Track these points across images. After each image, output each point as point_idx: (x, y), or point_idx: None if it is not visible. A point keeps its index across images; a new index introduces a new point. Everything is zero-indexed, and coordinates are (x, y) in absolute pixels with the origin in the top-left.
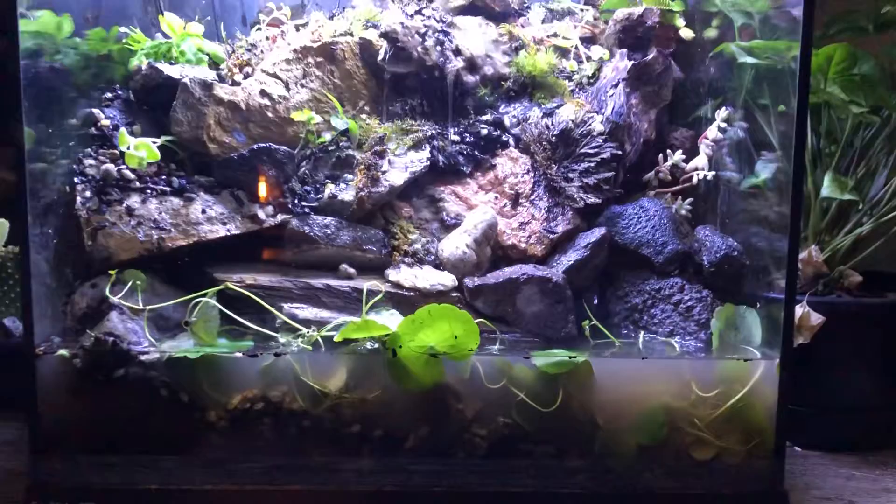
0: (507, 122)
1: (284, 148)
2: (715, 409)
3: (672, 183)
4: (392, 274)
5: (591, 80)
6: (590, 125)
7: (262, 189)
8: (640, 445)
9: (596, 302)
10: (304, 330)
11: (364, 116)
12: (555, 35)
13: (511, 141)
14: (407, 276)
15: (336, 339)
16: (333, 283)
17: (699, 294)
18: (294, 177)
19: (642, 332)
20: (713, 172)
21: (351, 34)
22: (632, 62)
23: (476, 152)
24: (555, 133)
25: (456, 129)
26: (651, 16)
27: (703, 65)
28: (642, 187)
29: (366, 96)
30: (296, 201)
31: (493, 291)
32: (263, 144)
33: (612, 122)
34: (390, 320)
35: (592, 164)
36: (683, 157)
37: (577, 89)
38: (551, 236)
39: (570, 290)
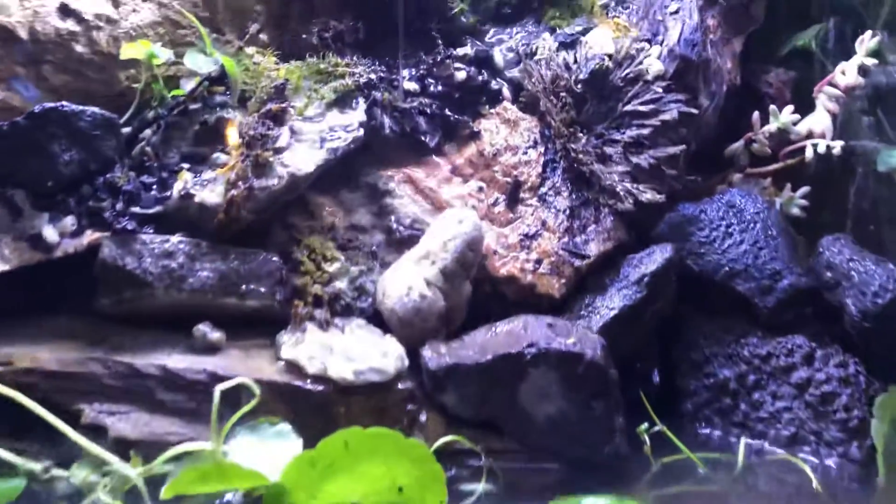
0: (498, 58)
1: (94, 110)
2: None
3: (770, 159)
4: (287, 346)
5: None
6: (640, 63)
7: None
8: None
9: (657, 380)
10: (113, 463)
11: (254, 51)
12: None
13: (506, 91)
14: (314, 349)
15: (163, 495)
16: (176, 363)
17: (842, 369)
18: (120, 161)
19: (743, 440)
20: (840, 143)
21: None
22: None
23: (447, 111)
24: (581, 77)
25: (413, 72)
26: None
27: None
28: (723, 165)
29: (261, 14)
30: (119, 206)
31: (473, 377)
32: (53, 105)
33: (680, 56)
34: (273, 455)
35: (647, 132)
36: (796, 116)
37: (613, 2)
38: (577, 263)
39: (615, 366)
